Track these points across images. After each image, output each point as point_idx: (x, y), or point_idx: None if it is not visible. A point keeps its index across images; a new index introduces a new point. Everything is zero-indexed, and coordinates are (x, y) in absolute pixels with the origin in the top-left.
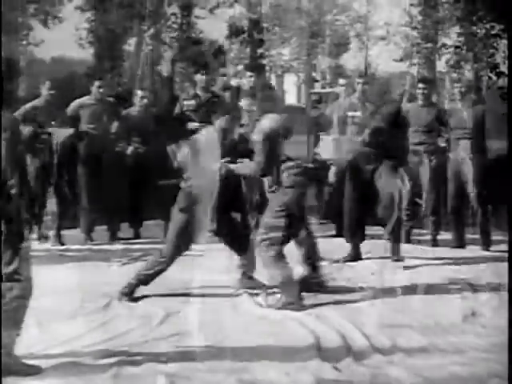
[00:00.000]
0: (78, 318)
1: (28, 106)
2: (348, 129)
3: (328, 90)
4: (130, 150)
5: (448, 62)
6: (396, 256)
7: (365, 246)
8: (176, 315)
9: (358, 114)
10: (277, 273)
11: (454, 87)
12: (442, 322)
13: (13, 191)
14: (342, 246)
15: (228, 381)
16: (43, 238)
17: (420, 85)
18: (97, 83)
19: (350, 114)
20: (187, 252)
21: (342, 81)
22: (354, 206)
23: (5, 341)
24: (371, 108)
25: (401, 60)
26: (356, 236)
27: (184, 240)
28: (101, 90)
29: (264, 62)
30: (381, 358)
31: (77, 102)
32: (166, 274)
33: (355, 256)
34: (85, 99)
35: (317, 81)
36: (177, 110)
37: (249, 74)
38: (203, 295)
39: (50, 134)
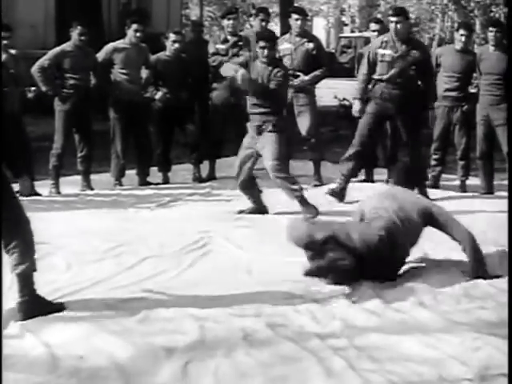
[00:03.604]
0: (107, 261)
1: (56, 49)
2: (378, 67)
3: (357, 34)
4: (158, 95)
5: (479, 4)
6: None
7: None
8: (204, 258)
9: (389, 52)
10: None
11: (489, 31)
12: None
13: None
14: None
15: (258, 325)
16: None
17: (462, 31)
18: (134, 26)
19: (380, 51)
20: None
21: (373, 25)
22: (366, 139)
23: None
24: (402, 48)
25: (430, 3)
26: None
27: None
28: (138, 34)
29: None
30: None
31: (110, 45)
32: None
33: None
34: (118, 43)
35: (346, 25)
36: (210, 51)
37: (295, 16)
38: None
39: (79, 79)
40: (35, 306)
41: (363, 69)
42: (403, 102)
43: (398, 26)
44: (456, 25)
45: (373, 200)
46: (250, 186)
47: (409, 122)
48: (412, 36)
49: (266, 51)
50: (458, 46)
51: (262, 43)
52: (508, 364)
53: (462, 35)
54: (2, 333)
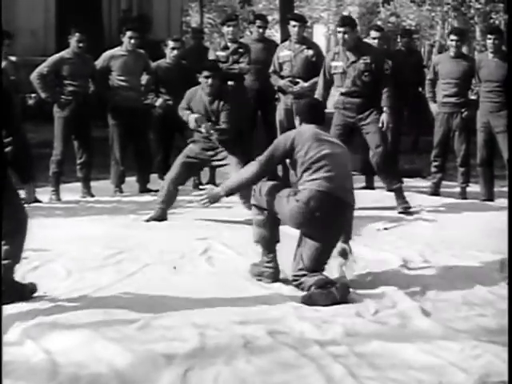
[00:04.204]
0: (108, 268)
1: (55, 57)
2: (334, 80)
3: None
4: (159, 102)
5: (479, 11)
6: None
7: None
8: (204, 264)
9: (340, 63)
10: None
11: (488, 38)
12: None
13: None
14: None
15: (258, 332)
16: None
17: (452, 36)
18: (128, 33)
19: (333, 64)
20: None
21: (374, 33)
22: None
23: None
24: (351, 57)
25: (430, 10)
26: None
27: None
28: (132, 41)
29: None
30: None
31: (108, 53)
32: None
33: None
34: (116, 50)
35: None
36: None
37: (293, 23)
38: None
39: (78, 86)
40: (12, 293)
41: (320, 84)
42: (365, 109)
43: (346, 36)
44: None
45: (311, 147)
46: (177, 188)
47: (372, 128)
48: (362, 43)
49: (209, 80)
50: (452, 52)
51: (205, 73)
52: (508, 372)
53: (452, 40)
54: (2, 339)
